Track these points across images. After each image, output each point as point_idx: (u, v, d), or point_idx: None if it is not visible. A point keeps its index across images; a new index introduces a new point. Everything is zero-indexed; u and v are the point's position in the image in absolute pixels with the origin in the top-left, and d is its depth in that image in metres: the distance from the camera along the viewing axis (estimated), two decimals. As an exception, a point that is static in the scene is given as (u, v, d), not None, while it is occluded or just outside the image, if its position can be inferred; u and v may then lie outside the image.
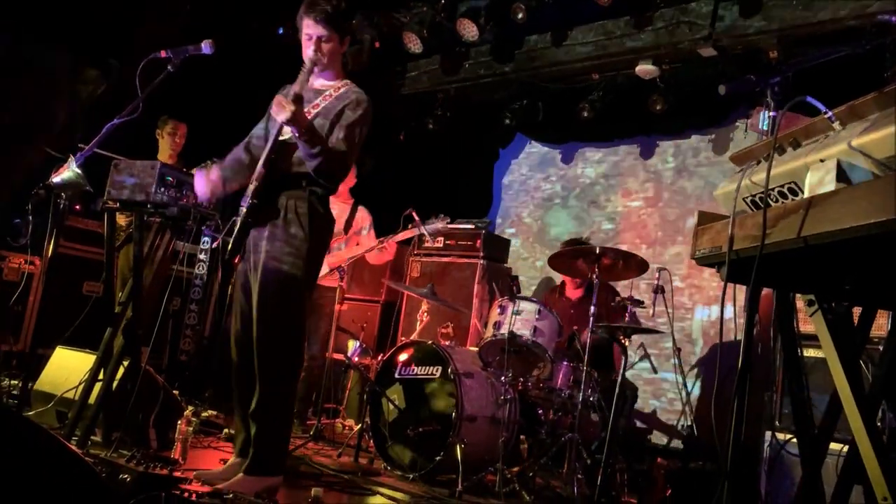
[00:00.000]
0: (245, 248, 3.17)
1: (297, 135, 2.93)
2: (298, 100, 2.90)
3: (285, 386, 3.13)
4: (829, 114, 1.71)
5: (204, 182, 3.21)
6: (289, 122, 2.86)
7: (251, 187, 3.06)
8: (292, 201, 3.08)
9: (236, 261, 3.30)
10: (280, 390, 3.10)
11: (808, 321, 2.03)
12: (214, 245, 3.13)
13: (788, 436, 3.39)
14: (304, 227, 3.07)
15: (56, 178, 3.07)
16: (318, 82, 3.26)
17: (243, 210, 3.05)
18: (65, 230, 5.50)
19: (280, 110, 2.85)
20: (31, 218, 3.32)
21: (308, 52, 3.13)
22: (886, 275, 1.83)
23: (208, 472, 3.14)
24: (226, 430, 4.20)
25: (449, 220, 4.82)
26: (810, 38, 4.91)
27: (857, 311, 2.20)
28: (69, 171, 3.05)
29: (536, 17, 5.58)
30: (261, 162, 3.06)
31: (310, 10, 3.08)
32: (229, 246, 3.10)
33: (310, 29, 3.10)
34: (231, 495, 2.77)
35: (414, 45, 6.11)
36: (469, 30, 5.84)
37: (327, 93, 3.21)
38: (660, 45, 5.48)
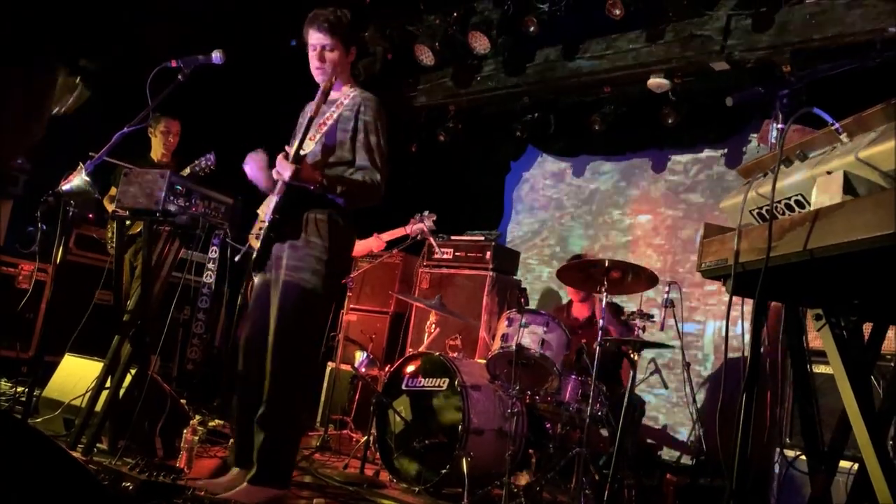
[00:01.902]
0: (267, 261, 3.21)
1: (312, 188, 3.02)
2: (298, 159, 3.01)
3: (296, 398, 3.11)
4: (837, 125, 1.69)
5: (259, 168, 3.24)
6: (294, 179, 2.98)
7: (274, 202, 3.12)
8: (313, 214, 3.11)
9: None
10: (291, 402, 3.08)
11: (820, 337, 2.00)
12: (237, 258, 3.19)
13: (798, 452, 3.34)
14: (323, 239, 3.10)
15: (65, 186, 3.09)
16: (332, 94, 3.29)
17: (265, 225, 3.11)
18: (77, 239, 5.55)
19: (282, 170, 2.99)
20: (41, 225, 3.34)
21: (313, 63, 3.20)
22: (895, 289, 1.79)
23: (210, 482, 3.13)
24: (232, 441, 4.19)
25: (435, 218, 4.83)
26: (823, 51, 4.88)
27: (868, 326, 2.17)
28: (78, 179, 3.08)
29: (548, 30, 5.58)
30: (280, 172, 3.09)
31: (312, 22, 3.16)
32: (252, 259, 3.14)
33: (313, 39, 3.17)
34: (233, 505, 2.77)
35: (426, 57, 6.13)
36: (481, 42, 5.85)
37: (338, 101, 3.25)
38: (672, 58, 5.46)
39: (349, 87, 3.30)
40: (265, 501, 2.98)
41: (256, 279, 3.29)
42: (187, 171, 4.59)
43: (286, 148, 3.18)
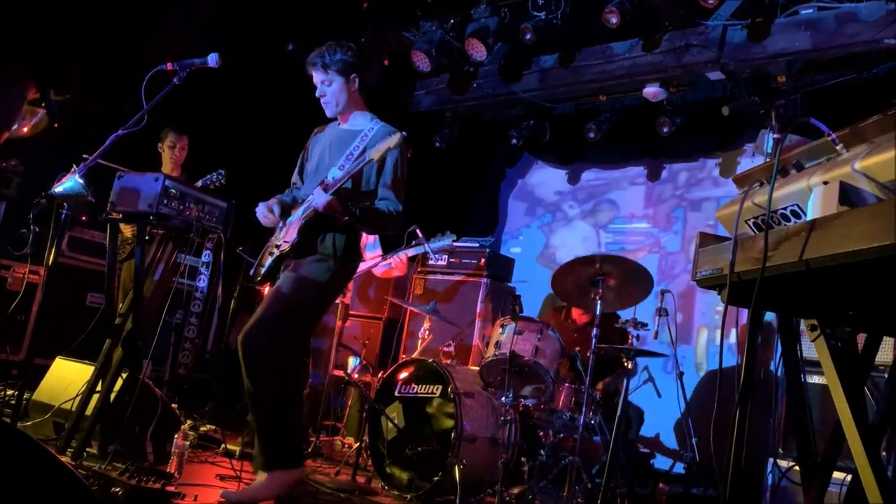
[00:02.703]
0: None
1: (345, 218, 3.16)
2: (338, 194, 3.15)
3: (274, 388, 3.11)
4: (833, 136, 1.69)
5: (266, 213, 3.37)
6: (327, 210, 3.11)
7: (299, 224, 3.22)
8: (331, 234, 3.24)
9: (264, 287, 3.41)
10: (268, 391, 3.10)
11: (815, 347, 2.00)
12: (251, 272, 3.27)
13: (791, 463, 3.34)
14: (335, 257, 3.22)
15: (58, 188, 3.07)
16: (347, 123, 3.45)
17: (286, 245, 3.22)
18: (71, 241, 5.52)
19: (319, 200, 3.13)
20: (34, 227, 3.32)
21: (320, 100, 3.37)
22: (890, 300, 1.79)
23: (232, 492, 3.11)
24: (223, 446, 4.16)
25: (455, 238, 4.82)
26: (818, 62, 4.90)
27: (862, 337, 2.17)
28: (71, 181, 3.06)
29: (545, 38, 5.58)
30: (314, 202, 3.19)
31: (310, 62, 3.35)
32: (262, 272, 3.26)
33: (314, 77, 3.35)
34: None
35: (422, 63, 6.13)
36: (477, 50, 5.86)
37: (363, 133, 3.35)
38: (668, 67, 5.47)
39: (367, 117, 3.44)
40: (284, 488, 3.09)
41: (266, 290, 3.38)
42: (198, 185, 4.61)
43: (323, 181, 3.28)
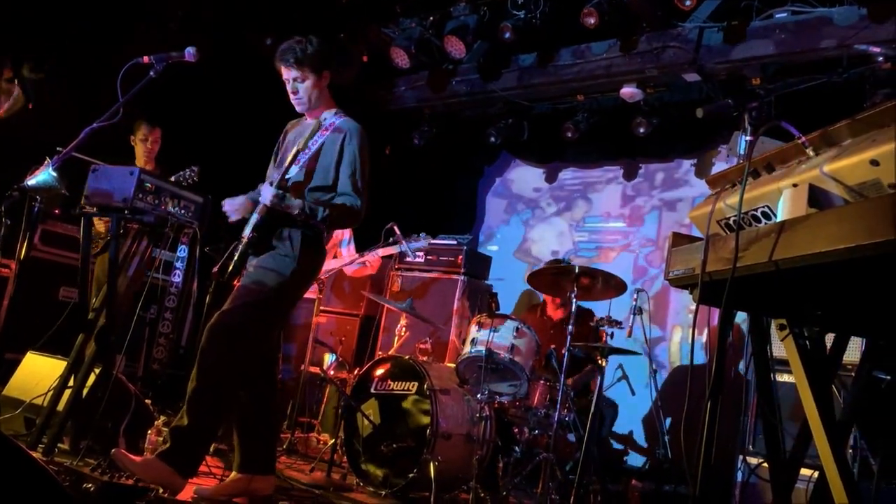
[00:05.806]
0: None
1: (295, 213, 3.12)
2: (282, 186, 3.14)
3: (212, 390, 3.00)
4: (803, 139, 1.73)
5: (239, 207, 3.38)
6: (274, 204, 3.09)
7: (255, 219, 3.19)
8: (288, 232, 3.20)
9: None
10: (206, 390, 2.99)
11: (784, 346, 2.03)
12: (214, 270, 3.23)
13: (760, 460, 3.39)
14: (294, 252, 3.18)
15: (31, 181, 3.03)
16: (314, 119, 3.40)
17: (244, 241, 3.19)
18: (44, 235, 5.44)
19: (265, 195, 3.12)
20: (6, 220, 3.27)
21: (290, 95, 3.32)
22: (857, 301, 1.83)
23: (206, 489, 3.12)
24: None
25: (431, 239, 4.83)
26: (791, 66, 4.98)
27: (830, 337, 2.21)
28: (45, 174, 3.02)
29: (524, 37, 5.61)
30: (262, 197, 3.18)
31: (280, 57, 3.27)
32: (229, 268, 3.20)
33: (284, 74, 3.29)
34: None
35: (401, 60, 6.13)
36: (456, 47, 5.87)
37: (322, 127, 3.32)
38: (644, 68, 5.52)
39: (332, 112, 3.38)
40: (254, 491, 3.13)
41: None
42: (171, 180, 4.56)
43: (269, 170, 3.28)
